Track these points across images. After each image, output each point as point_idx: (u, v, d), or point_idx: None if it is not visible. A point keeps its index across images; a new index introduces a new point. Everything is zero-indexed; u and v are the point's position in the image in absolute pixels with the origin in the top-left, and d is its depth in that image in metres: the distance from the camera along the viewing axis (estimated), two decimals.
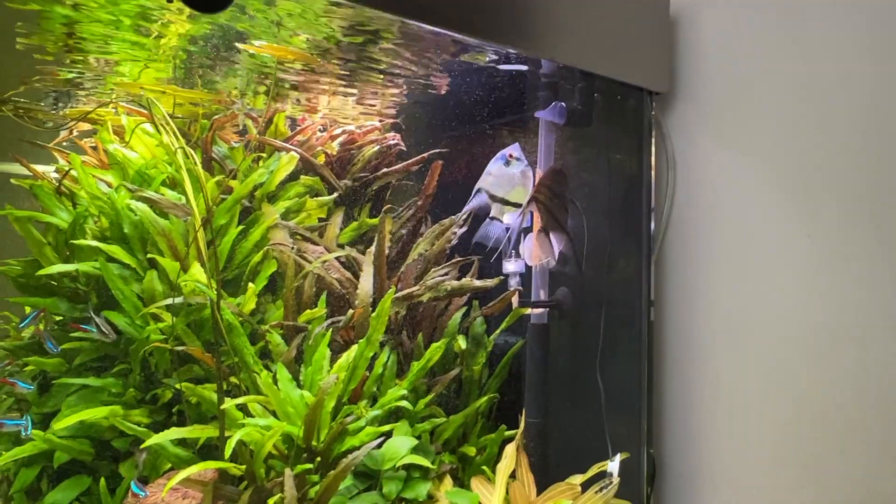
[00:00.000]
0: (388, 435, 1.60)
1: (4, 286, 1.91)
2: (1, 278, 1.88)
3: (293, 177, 1.98)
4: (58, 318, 1.91)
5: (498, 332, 1.87)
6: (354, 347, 1.65)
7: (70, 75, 1.79)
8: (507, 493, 1.58)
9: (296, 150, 1.95)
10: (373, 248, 1.82)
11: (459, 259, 1.87)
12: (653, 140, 1.73)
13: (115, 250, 1.75)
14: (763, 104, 1.59)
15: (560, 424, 1.79)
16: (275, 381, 1.61)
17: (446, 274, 1.85)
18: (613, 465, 1.60)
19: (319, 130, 2.11)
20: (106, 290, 1.80)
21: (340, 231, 2.00)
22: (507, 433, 1.76)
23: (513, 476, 1.62)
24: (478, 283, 1.79)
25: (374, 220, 2.07)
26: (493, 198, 1.59)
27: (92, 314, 1.70)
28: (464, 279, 1.80)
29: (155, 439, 1.47)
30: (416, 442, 1.59)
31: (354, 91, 1.91)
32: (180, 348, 1.62)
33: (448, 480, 1.63)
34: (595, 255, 1.72)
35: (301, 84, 1.81)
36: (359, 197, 2.10)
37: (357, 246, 2.03)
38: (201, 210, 1.69)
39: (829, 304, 1.47)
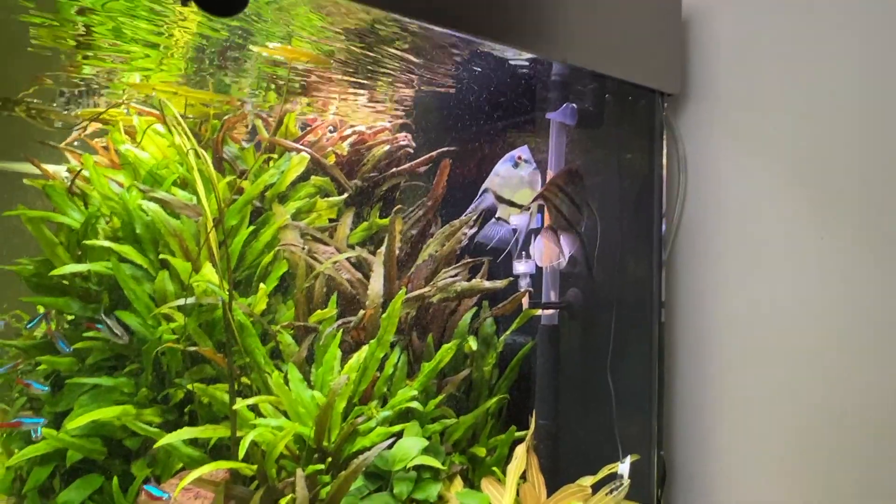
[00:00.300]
0: (399, 436, 1.61)
1: (14, 284, 1.93)
2: (13, 277, 1.90)
3: (303, 177, 1.99)
4: (70, 318, 1.93)
5: (508, 332, 1.87)
6: (365, 348, 1.65)
7: (85, 72, 1.79)
8: (517, 494, 1.58)
9: (306, 151, 1.95)
10: (383, 249, 1.82)
11: (470, 260, 1.87)
12: (664, 141, 1.72)
13: (128, 250, 1.76)
14: (775, 105, 1.59)
15: (570, 426, 1.79)
16: (286, 382, 1.62)
17: (456, 275, 1.85)
18: (624, 467, 1.60)
19: (329, 131, 2.11)
20: (117, 290, 1.81)
21: (351, 231, 2.00)
22: (518, 434, 1.76)
23: (523, 477, 1.62)
24: (488, 284, 1.79)
25: (385, 221, 2.07)
26: (499, 199, 1.59)
27: (103, 316, 1.70)
28: (474, 280, 1.80)
29: (167, 439, 1.48)
30: (426, 443, 1.59)
31: (365, 92, 1.91)
32: (192, 349, 1.63)
33: (458, 481, 1.64)
34: (606, 257, 1.71)
35: (311, 85, 1.81)
36: (369, 197, 2.11)
37: (367, 246, 2.03)
38: (213, 210, 1.70)
39: (841, 307, 1.46)
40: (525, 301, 1.79)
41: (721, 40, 1.68)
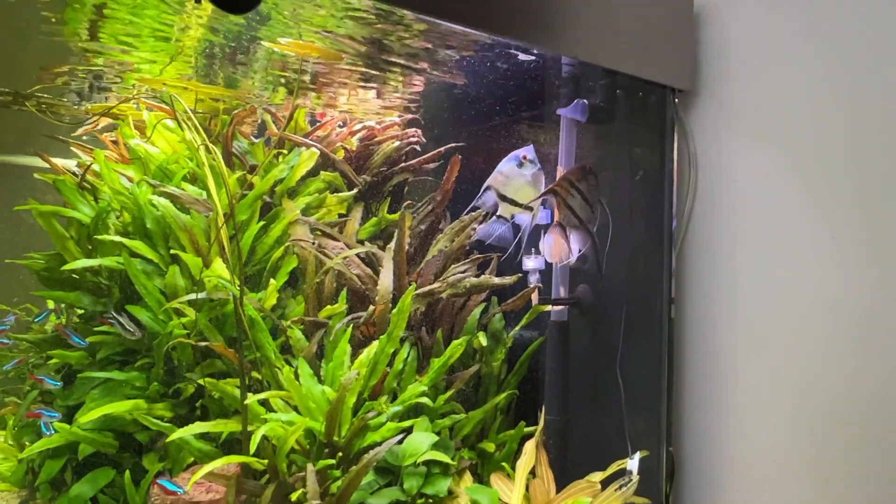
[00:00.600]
0: (409, 431, 1.61)
1: (25, 278, 1.94)
2: (24, 271, 1.91)
3: (313, 172, 1.99)
4: (80, 312, 1.94)
5: (517, 328, 1.87)
6: (375, 343, 1.66)
7: (95, 67, 1.79)
8: (526, 489, 1.59)
9: (316, 146, 1.95)
10: (393, 244, 1.82)
11: (478, 256, 1.87)
12: (675, 137, 1.71)
13: (138, 245, 1.76)
14: (786, 102, 1.58)
15: (580, 422, 1.80)
16: (296, 377, 1.62)
17: (465, 271, 1.85)
18: (633, 463, 1.61)
19: (339, 126, 2.11)
20: (128, 285, 1.81)
21: (360, 227, 2.01)
22: (527, 430, 1.77)
23: (532, 473, 1.63)
24: (496, 280, 1.79)
25: (394, 216, 2.07)
26: (501, 197, 1.58)
27: (113, 314, 1.71)
28: (483, 276, 1.80)
29: (179, 434, 1.49)
30: (436, 438, 1.60)
31: (374, 86, 1.91)
32: (203, 344, 1.64)
33: (468, 476, 1.64)
34: (616, 253, 1.71)
35: (321, 80, 1.81)
36: (377, 192, 2.11)
37: (376, 241, 2.04)
38: (223, 205, 1.70)
39: (852, 304, 1.46)
40: (535, 297, 1.79)
41: (732, 36, 1.68)
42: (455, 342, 1.69)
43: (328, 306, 1.80)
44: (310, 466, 1.46)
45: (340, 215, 2.01)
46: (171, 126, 1.95)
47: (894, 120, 1.40)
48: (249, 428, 1.55)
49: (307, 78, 1.79)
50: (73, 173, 1.92)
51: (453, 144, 2.02)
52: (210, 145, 1.63)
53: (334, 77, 1.81)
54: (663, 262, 1.71)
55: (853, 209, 1.46)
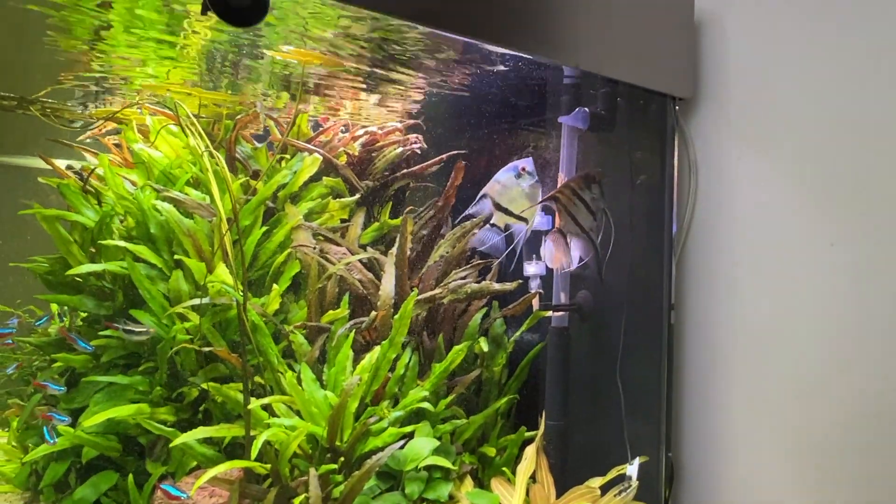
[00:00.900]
0: (410, 436, 1.63)
1: (28, 281, 1.95)
2: (27, 274, 1.92)
3: (315, 177, 2.00)
4: (83, 315, 1.95)
5: (518, 333, 1.88)
6: (377, 349, 1.67)
7: (99, 72, 1.80)
8: (527, 494, 1.60)
9: (319, 152, 1.96)
10: (395, 250, 1.83)
11: (480, 262, 1.88)
12: (675, 144, 1.73)
13: (142, 250, 1.77)
14: (786, 110, 1.59)
15: (580, 427, 1.81)
16: (299, 382, 1.64)
17: (466, 276, 1.86)
18: (632, 469, 1.62)
19: (342, 131, 2.12)
20: (131, 289, 1.83)
21: (362, 232, 2.02)
22: (527, 434, 1.78)
23: (533, 478, 1.64)
24: (497, 286, 1.80)
25: (396, 221, 2.08)
26: (497, 206, 1.59)
27: (126, 321, 1.72)
28: (484, 282, 1.81)
29: (182, 438, 1.50)
30: (437, 443, 1.61)
31: (377, 92, 1.92)
32: (207, 349, 1.65)
33: (469, 481, 1.66)
34: (616, 259, 1.72)
35: (324, 86, 1.82)
36: (379, 197, 2.12)
37: (377, 246, 2.05)
38: (227, 210, 1.71)
39: (850, 312, 1.47)
40: (535, 302, 1.80)
41: (732, 45, 1.69)
42: (456, 347, 1.70)
43: (330, 311, 1.81)
44: (312, 471, 1.48)
45: (342, 220, 2.02)
46: (174, 130, 1.97)
47: (893, 128, 1.41)
48: (252, 432, 1.56)
49: (310, 84, 1.80)
50: (76, 172, 1.94)
51: (456, 152, 2.03)
52: (213, 151, 1.64)
53: (336, 83, 1.82)
54: (663, 268, 1.73)
55: (854, 217, 1.47)
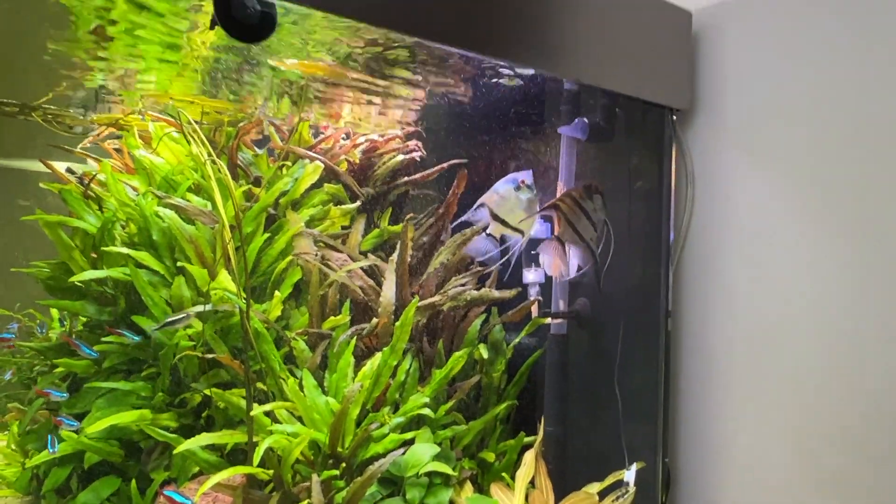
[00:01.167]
0: (411, 442, 1.64)
1: (28, 285, 1.96)
2: (27, 278, 1.93)
3: (316, 184, 2.01)
4: (83, 321, 1.96)
5: (517, 339, 1.90)
6: (378, 355, 1.69)
7: (98, 82, 1.82)
8: (526, 499, 1.62)
9: (320, 159, 1.97)
10: (395, 257, 1.85)
11: (479, 269, 1.90)
12: (672, 155, 1.75)
13: (144, 257, 1.79)
14: (782, 121, 1.62)
15: (578, 433, 1.83)
16: (301, 388, 1.65)
17: (465, 283, 1.88)
18: (630, 474, 1.64)
19: (343, 138, 2.14)
20: (133, 294, 1.84)
21: (362, 238, 2.03)
22: (526, 440, 1.80)
23: (532, 483, 1.66)
24: (497, 293, 1.82)
25: (396, 228, 2.10)
26: (493, 216, 1.59)
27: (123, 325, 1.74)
28: (483, 289, 1.83)
29: (186, 445, 1.52)
30: (438, 449, 1.63)
31: (377, 101, 1.94)
32: (210, 356, 1.66)
33: (468, 486, 1.68)
34: (615, 268, 1.75)
35: (326, 95, 1.84)
36: (379, 204, 2.13)
37: (377, 253, 2.07)
38: (229, 218, 1.72)
39: (847, 320, 1.50)
40: (534, 309, 1.83)
41: (729, 57, 1.71)
42: (456, 354, 1.72)
43: (331, 317, 1.83)
44: (314, 477, 1.49)
45: (343, 227, 2.04)
46: (175, 137, 1.98)
47: (889, 139, 1.44)
48: (255, 438, 1.58)
49: (312, 95, 1.82)
50: (77, 177, 1.95)
51: (457, 161, 2.05)
52: (217, 159, 1.66)
53: (338, 91, 1.84)
54: (660, 276, 1.75)
55: (849, 228, 1.50)
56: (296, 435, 1.54)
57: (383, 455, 1.56)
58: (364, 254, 2.00)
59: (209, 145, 1.69)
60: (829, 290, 1.53)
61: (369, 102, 1.90)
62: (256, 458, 1.45)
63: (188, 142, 1.76)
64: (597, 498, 1.60)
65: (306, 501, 1.48)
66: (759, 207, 1.66)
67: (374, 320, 1.78)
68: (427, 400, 1.67)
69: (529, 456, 1.69)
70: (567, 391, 1.84)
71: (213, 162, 1.67)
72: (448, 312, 1.89)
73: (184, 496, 1.46)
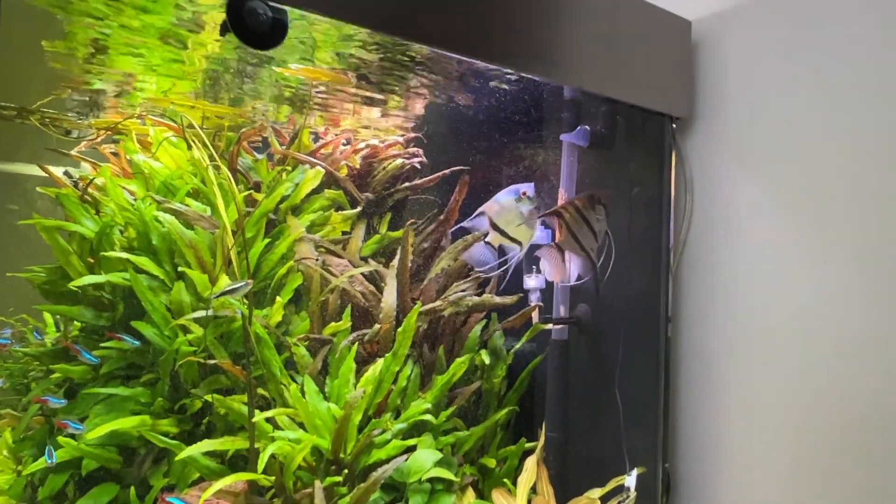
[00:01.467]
0: (413, 448, 1.64)
1: (22, 290, 1.94)
2: (21, 282, 1.91)
3: (317, 189, 2.01)
4: (79, 326, 1.94)
5: (518, 345, 1.91)
6: (380, 361, 1.69)
7: (96, 86, 1.81)
8: None
9: (321, 165, 1.97)
10: (396, 262, 1.85)
11: (479, 274, 1.90)
12: (672, 163, 1.77)
13: (144, 261, 1.78)
14: (780, 129, 1.64)
15: (579, 438, 1.84)
16: (302, 394, 1.65)
17: (466, 289, 1.89)
18: (631, 480, 1.65)
19: (343, 144, 2.14)
20: (130, 299, 1.82)
21: (363, 243, 2.03)
22: (527, 445, 1.81)
23: (533, 489, 1.67)
24: (498, 299, 1.83)
25: (396, 234, 2.10)
26: (493, 225, 1.60)
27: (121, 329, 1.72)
28: (484, 295, 1.84)
29: (187, 452, 1.51)
30: (440, 455, 1.63)
31: (379, 106, 1.94)
32: (212, 362, 1.65)
33: (470, 492, 1.68)
34: (615, 273, 1.76)
35: (328, 100, 1.84)
36: (379, 209, 2.14)
37: (377, 258, 2.06)
38: (230, 222, 1.72)
39: (845, 325, 1.52)
40: (535, 315, 1.83)
41: (729, 66, 1.73)
42: (458, 360, 1.72)
43: (332, 323, 1.82)
44: (317, 483, 1.49)
45: (344, 232, 2.04)
46: (174, 141, 1.97)
47: (886, 149, 1.46)
48: (256, 445, 1.57)
49: (317, 98, 1.82)
50: (73, 180, 1.93)
51: (458, 168, 2.05)
52: (220, 164, 1.65)
53: (340, 97, 1.84)
54: (660, 282, 1.77)
55: (847, 236, 1.52)
56: (298, 441, 1.53)
57: (385, 461, 1.55)
58: (364, 259, 2.00)
59: (210, 150, 1.69)
60: (827, 296, 1.55)
61: (370, 107, 1.91)
62: (261, 465, 1.44)
63: (189, 146, 1.75)
64: (598, 503, 1.60)
65: None
66: (757, 214, 1.68)
67: (376, 326, 1.78)
68: (429, 406, 1.68)
69: (531, 461, 1.69)
70: (568, 396, 1.84)
71: (216, 167, 1.66)
72: (449, 318, 1.90)
73: (186, 502, 1.45)
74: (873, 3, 1.48)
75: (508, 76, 1.69)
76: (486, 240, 1.59)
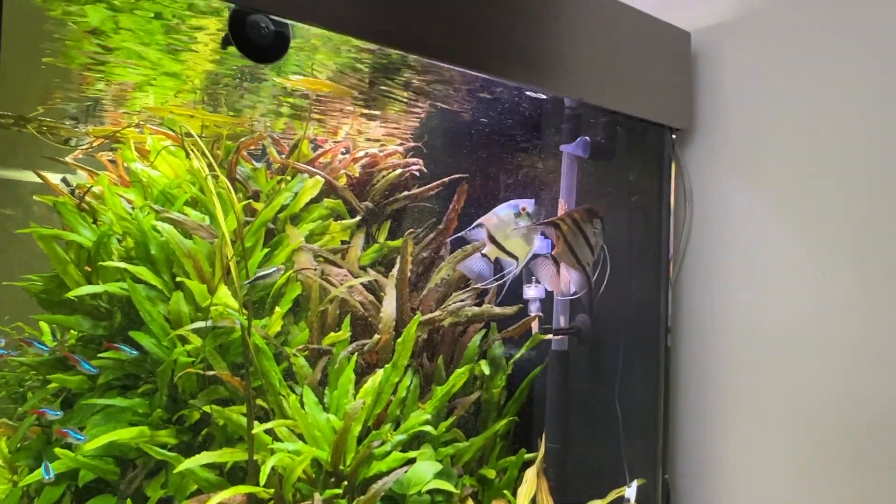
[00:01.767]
0: (413, 460, 1.64)
1: (16, 297, 1.92)
2: (15, 290, 1.89)
3: (316, 199, 2.01)
4: (75, 335, 1.92)
5: (517, 355, 1.91)
6: (380, 372, 1.68)
7: (96, 92, 1.80)
8: None
9: (320, 174, 1.97)
10: (395, 272, 1.85)
11: (479, 285, 1.90)
12: (672, 174, 1.77)
13: (142, 271, 1.77)
14: (779, 141, 1.65)
15: (579, 449, 1.84)
16: (301, 405, 1.64)
17: (465, 299, 1.88)
18: (631, 491, 1.65)
19: (342, 153, 2.13)
20: (128, 309, 1.81)
21: (362, 253, 2.03)
22: (527, 456, 1.80)
23: (533, 500, 1.66)
24: (497, 309, 1.83)
25: (395, 243, 2.09)
26: (490, 238, 1.60)
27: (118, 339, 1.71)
28: (484, 305, 1.84)
29: (186, 465, 1.50)
30: (440, 467, 1.62)
31: (377, 115, 1.94)
32: (210, 372, 1.64)
33: (470, 503, 1.67)
34: (615, 284, 1.76)
35: (328, 110, 1.84)
36: (378, 218, 2.13)
37: (376, 267, 2.06)
38: (230, 232, 1.71)
39: (845, 335, 1.52)
40: (535, 325, 1.83)
41: (728, 77, 1.74)
42: (458, 371, 1.72)
43: (331, 333, 1.82)
44: (317, 496, 1.48)
45: (343, 242, 2.03)
46: (172, 150, 1.96)
47: (884, 160, 1.47)
48: (255, 456, 1.56)
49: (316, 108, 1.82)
50: (69, 187, 1.92)
51: (457, 176, 2.05)
52: (220, 174, 1.65)
53: (338, 106, 1.84)
54: (660, 293, 1.77)
55: (845, 247, 1.53)
56: (297, 453, 1.53)
57: (386, 473, 1.55)
58: (364, 268, 2.00)
59: (208, 159, 1.68)
60: (826, 306, 1.55)
61: (369, 117, 1.90)
62: (263, 477, 1.43)
63: (187, 155, 1.74)
64: None
65: None
66: (756, 224, 1.69)
67: (376, 336, 1.77)
68: (429, 417, 1.67)
69: (531, 473, 1.69)
70: (568, 407, 1.84)
71: (214, 176, 1.66)
72: (448, 328, 1.89)
73: None
74: (870, 18, 1.49)
75: (510, 87, 1.69)
76: (483, 252, 1.59)
